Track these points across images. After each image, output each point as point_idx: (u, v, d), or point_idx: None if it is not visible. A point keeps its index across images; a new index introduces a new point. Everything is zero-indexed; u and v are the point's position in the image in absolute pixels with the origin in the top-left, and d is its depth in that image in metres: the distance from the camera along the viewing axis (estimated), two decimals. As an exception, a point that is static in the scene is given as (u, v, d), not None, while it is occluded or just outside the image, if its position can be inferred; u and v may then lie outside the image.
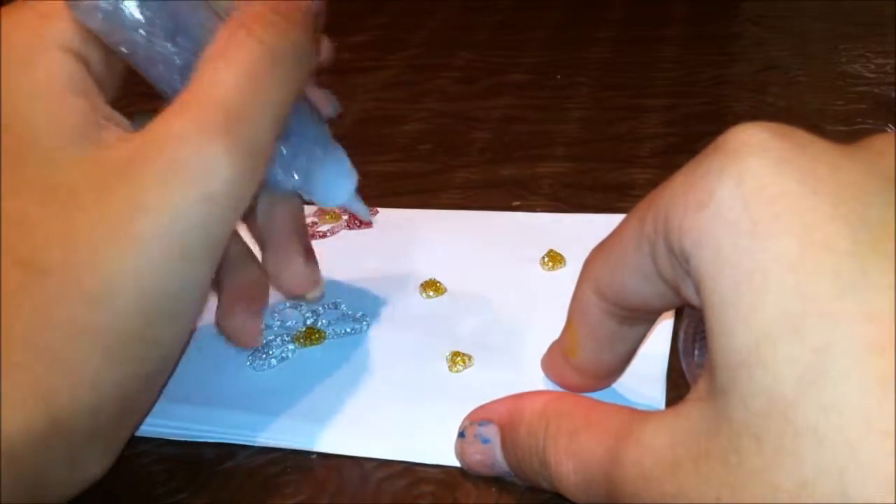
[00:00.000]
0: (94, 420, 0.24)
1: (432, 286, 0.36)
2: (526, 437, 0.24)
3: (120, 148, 0.25)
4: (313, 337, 0.33)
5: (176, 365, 0.28)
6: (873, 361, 0.16)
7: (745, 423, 0.18)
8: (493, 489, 0.26)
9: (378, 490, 0.27)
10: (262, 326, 0.33)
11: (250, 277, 0.32)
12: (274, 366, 0.32)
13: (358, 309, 0.35)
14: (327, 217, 0.42)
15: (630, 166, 0.46)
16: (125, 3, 0.26)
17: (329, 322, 0.34)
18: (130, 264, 0.24)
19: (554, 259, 0.37)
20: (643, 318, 0.25)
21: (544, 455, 0.24)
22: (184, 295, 0.25)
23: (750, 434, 0.18)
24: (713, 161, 0.20)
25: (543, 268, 0.37)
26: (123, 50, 0.26)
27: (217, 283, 0.32)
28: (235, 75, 0.25)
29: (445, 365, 0.31)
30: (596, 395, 0.28)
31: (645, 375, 0.30)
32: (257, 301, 0.32)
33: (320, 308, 0.35)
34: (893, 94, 0.52)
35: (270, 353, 0.33)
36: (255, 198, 0.30)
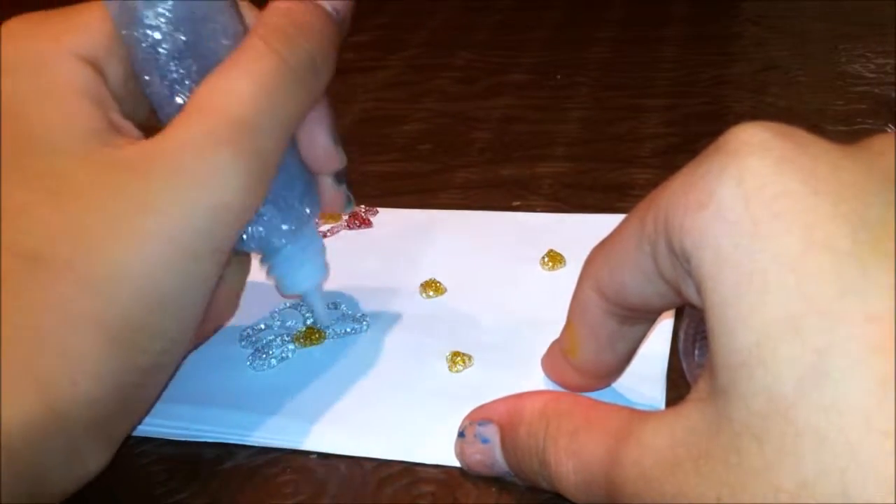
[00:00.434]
0: (94, 411, 0.24)
1: (432, 286, 0.36)
2: (526, 437, 0.24)
3: (131, 150, 0.25)
4: (313, 337, 0.33)
5: (178, 364, 0.28)
6: (874, 362, 0.16)
7: (746, 423, 0.18)
8: (493, 489, 0.26)
9: (378, 490, 0.27)
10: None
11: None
12: (274, 366, 0.32)
13: (358, 309, 0.35)
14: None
15: (630, 166, 0.46)
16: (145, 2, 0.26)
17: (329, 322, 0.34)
18: (135, 259, 0.24)
19: (554, 259, 0.37)
20: (643, 318, 0.25)
21: (544, 455, 0.24)
22: (186, 292, 0.26)
23: (750, 434, 0.18)
24: (713, 161, 0.20)
25: (543, 268, 0.37)
26: (128, 45, 0.27)
27: None
28: (251, 86, 0.26)
29: (445, 365, 0.31)
30: (596, 395, 0.28)
31: (645, 375, 0.30)
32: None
33: (320, 308, 0.35)
34: (893, 94, 0.52)
35: (270, 353, 0.33)
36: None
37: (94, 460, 0.25)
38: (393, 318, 0.35)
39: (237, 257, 0.30)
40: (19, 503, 0.23)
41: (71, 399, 0.24)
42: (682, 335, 0.27)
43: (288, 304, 0.36)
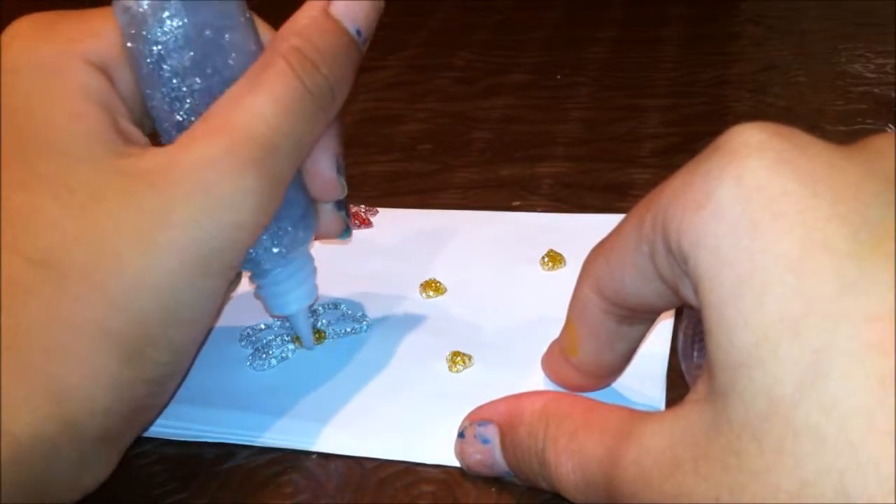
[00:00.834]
0: (106, 422, 0.25)
1: (432, 286, 0.36)
2: (525, 437, 0.24)
3: (147, 159, 0.26)
4: (313, 337, 0.33)
5: (186, 373, 0.28)
6: (874, 362, 0.16)
7: (745, 424, 0.18)
8: (493, 489, 0.26)
9: (378, 490, 0.27)
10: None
11: None
12: (274, 366, 0.32)
13: (358, 309, 0.35)
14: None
15: (630, 166, 0.46)
16: (152, 13, 0.26)
17: (329, 322, 0.34)
18: (153, 271, 0.24)
19: (554, 259, 0.37)
20: (643, 318, 0.25)
21: (544, 455, 0.24)
22: (200, 305, 0.26)
23: (750, 435, 0.18)
24: (712, 161, 0.20)
25: (543, 268, 0.37)
26: (133, 57, 0.27)
27: None
28: (273, 107, 0.26)
29: (445, 365, 0.31)
30: (596, 395, 0.28)
31: (645, 375, 0.30)
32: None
33: (320, 308, 0.35)
34: (893, 94, 0.52)
35: (270, 353, 0.33)
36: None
37: (102, 470, 0.26)
38: (393, 318, 0.35)
39: None
40: None
41: (85, 411, 0.24)
42: (680, 336, 0.27)
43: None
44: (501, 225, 0.41)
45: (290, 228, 0.30)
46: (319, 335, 0.34)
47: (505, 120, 0.53)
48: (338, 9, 0.28)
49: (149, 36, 0.26)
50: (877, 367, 0.16)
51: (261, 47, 0.28)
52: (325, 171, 0.30)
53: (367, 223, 0.42)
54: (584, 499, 0.23)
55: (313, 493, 0.27)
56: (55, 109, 0.26)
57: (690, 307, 0.22)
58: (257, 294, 0.32)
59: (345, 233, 0.32)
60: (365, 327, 0.34)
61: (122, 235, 0.24)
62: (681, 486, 0.19)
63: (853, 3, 0.67)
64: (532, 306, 0.34)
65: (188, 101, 0.27)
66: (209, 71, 0.27)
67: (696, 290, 0.20)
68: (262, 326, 0.35)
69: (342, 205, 0.32)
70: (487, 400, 0.27)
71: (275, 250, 0.30)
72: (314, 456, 0.28)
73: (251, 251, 0.29)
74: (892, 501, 0.16)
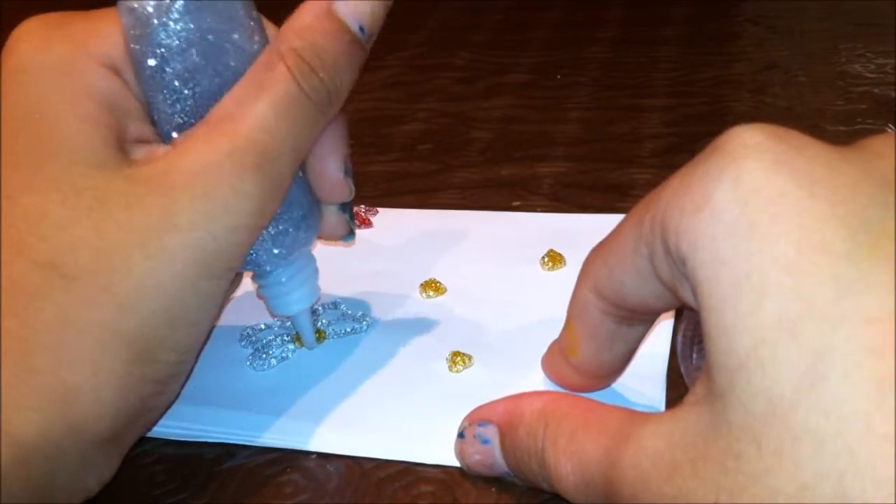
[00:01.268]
0: (114, 423, 0.25)
1: (432, 286, 0.36)
2: (525, 437, 0.24)
3: (153, 163, 0.26)
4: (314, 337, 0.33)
5: (189, 374, 0.28)
6: (872, 364, 0.16)
7: (744, 426, 0.18)
8: (493, 489, 0.26)
9: (378, 490, 0.27)
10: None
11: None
12: (274, 366, 0.33)
13: (358, 309, 0.35)
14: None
15: (630, 166, 0.46)
16: (157, 14, 0.26)
17: (329, 322, 0.34)
18: (159, 274, 0.25)
19: (554, 259, 0.37)
20: (642, 319, 0.25)
21: (543, 456, 0.24)
22: (204, 305, 0.26)
23: (749, 437, 0.17)
24: (710, 163, 0.20)
25: (543, 268, 0.37)
26: (135, 60, 0.27)
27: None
28: (270, 110, 0.26)
29: (445, 365, 0.31)
30: (596, 396, 0.28)
31: (645, 375, 0.30)
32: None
33: (320, 308, 0.35)
34: (893, 94, 0.52)
35: (270, 353, 0.33)
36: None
37: (105, 472, 0.26)
38: (393, 318, 0.35)
39: None
40: None
41: (92, 413, 0.24)
42: (679, 337, 0.27)
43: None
44: (501, 225, 0.41)
45: (291, 230, 0.30)
46: (319, 335, 0.34)
47: (505, 120, 0.53)
48: (341, 8, 0.27)
49: (153, 38, 0.26)
50: (875, 370, 0.16)
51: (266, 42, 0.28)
52: (333, 173, 0.30)
53: (367, 223, 0.42)
54: (583, 499, 0.23)
55: (313, 493, 0.27)
56: (65, 111, 0.26)
57: (690, 308, 0.22)
58: (259, 294, 0.32)
59: (348, 235, 0.32)
60: (365, 327, 0.34)
61: (128, 239, 0.25)
62: (680, 488, 0.19)
63: (853, 3, 0.67)
64: (532, 306, 0.34)
65: (189, 103, 0.27)
66: (212, 74, 0.27)
67: (694, 292, 0.20)
68: (263, 326, 0.35)
69: (347, 207, 0.32)
70: (487, 400, 0.27)
71: (276, 251, 0.30)
72: (314, 456, 0.28)
73: (252, 253, 0.29)
74: (891, 504, 0.16)
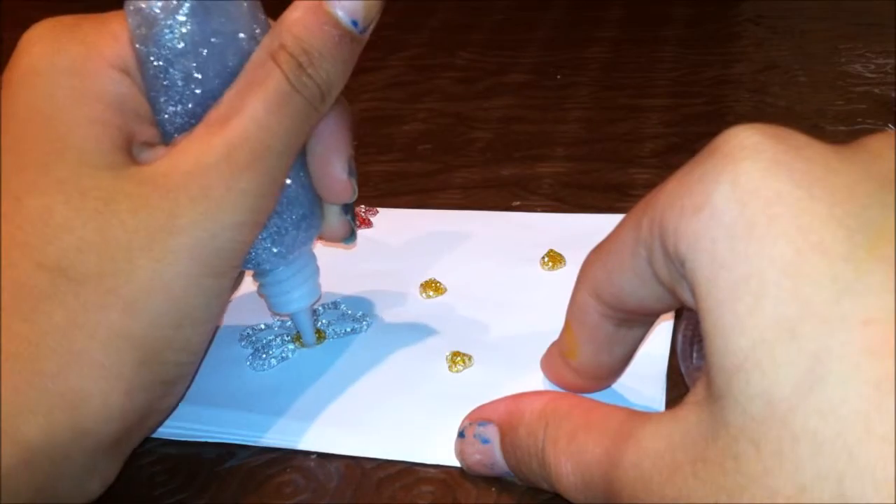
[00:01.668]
0: (119, 427, 0.25)
1: (432, 286, 0.36)
2: (525, 437, 0.24)
3: (154, 165, 0.26)
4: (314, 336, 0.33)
5: (195, 374, 0.28)
6: (871, 365, 0.16)
7: (743, 427, 0.18)
8: (493, 489, 0.26)
9: (378, 490, 0.27)
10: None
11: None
12: (274, 366, 0.33)
13: (358, 309, 0.35)
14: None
15: (630, 166, 0.46)
16: (164, 15, 0.26)
17: (329, 322, 0.34)
18: (165, 274, 0.25)
19: (554, 259, 0.37)
20: (641, 321, 0.25)
21: (543, 456, 0.24)
22: (209, 305, 0.26)
23: (747, 439, 0.17)
24: (708, 164, 0.20)
25: (543, 268, 0.37)
26: (140, 60, 0.27)
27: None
28: (262, 107, 0.26)
29: (445, 365, 0.31)
30: (596, 396, 0.28)
31: (645, 375, 0.30)
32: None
33: (320, 308, 0.35)
34: (893, 94, 0.52)
35: (270, 353, 0.33)
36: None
37: (109, 475, 0.26)
38: (393, 318, 0.35)
39: None
40: None
41: (100, 417, 0.24)
42: (679, 337, 0.27)
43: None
44: (501, 225, 0.41)
45: (291, 229, 0.30)
46: (319, 335, 0.34)
47: (505, 120, 0.53)
48: (332, 2, 0.27)
49: (159, 38, 0.26)
50: (873, 372, 0.16)
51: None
52: (336, 173, 0.30)
53: (367, 223, 0.42)
54: (583, 500, 0.23)
55: (313, 493, 0.27)
56: (75, 113, 0.26)
57: (689, 309, 0.22)
58: (260, 292, 0.32)
59: (350, 238, 0.32)
60: (365, 327, 0.34)
61: (132, 240, 0.25)
62: (680, 489, 0.19)
63: (853, 3, 0.67)
64: (532, 306, 0.34)
65: (192, 104, 0.27)
66: (217, 75, 0.27)
67: (693, 293, 0.20)
68: (263, 326, 0.35)
69: (350, 208, 0.32)
70: (487, 400, 0.27)
71: (275, 250, 0.30)
72: (314, 456, 0.28)
73: (251, 251, 0.29)
74: (890, 505, 0.16)
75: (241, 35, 0.27)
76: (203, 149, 0.26)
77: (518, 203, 0.43)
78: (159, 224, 0.25)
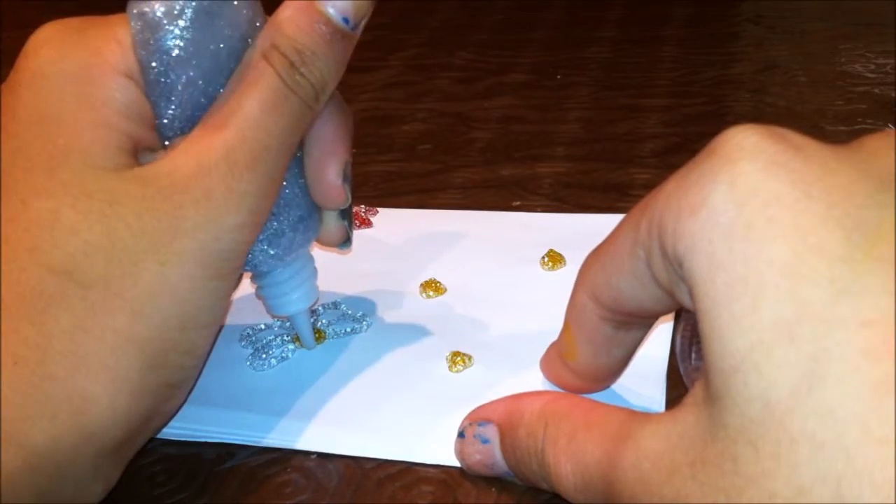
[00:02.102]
0: (126, 430, 0.25)
1: (432, 286, 0.36)
2: (525, 437, 0.24)
3: (158, 166, 0.26)
4: (313, 337, 0.33)
5: (199, 376, 0.28)
6: (869, 367, 0.16)
7: (741, 429, 0.18)
8: (493, 489, 0.26)
9: (378, 490, 0.27)
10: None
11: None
12: (274, 366, 0.33)
13: (358, 309, 0.35)
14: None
15: (630, 166, 0.46)
16: (167, 20, 0.26)
17: (329, 322, 0.34)
18: (170, 278, 0.25)
19: (554, 259, 0.37)
20: (640, 323, 0.25)
21: (543, 456, 0.24)
22: (213, 307, 0.27)
23: (746, 441, 0.17)
24: (706, 165, 0.20)
25: (543, 268, 0.37)
26: (141, 63, 0.27)
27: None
28: (257, 107, 0.26)
29: (445, 365, 0.31)
30: (596, 396, 0.28)
31: (645, 376, 0.30)
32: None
33: (320, 308, 0.35)
34: (893, 94, 0.52)
35: (270, 353, 0.33)
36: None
37: (112, 478, 0.26)
38: (393, 318, 0.35)
39: None
40: None
41: (106, 421, 0.24)
42: (678, 338, 0.27)
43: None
44: (501, 225, 0.41)
45: (287, 231, 0.30)
46: (319, 335, 0.34)
47: (505, 120, 0.53)
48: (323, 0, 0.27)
49: (161, 42, 0.26)
50: (872, 373, 0.16)
51: None
52: (330, 178, 0.30)
53: (367, 223, 0.42)
54: (583, 500, 0.23)
55: (313, 493, 0.27)
56: (82, 117, 0.26)
57: (688, 311, 0.22)
58: (258, 294, 0.32)
59: (345, 244, 0.32)
60: (365, 327, 0.34)
61: (138, 243, 0.25)
62: (679, 490, 0.19)
63: (853, 3, 0.67)
64: (532, 306, 0.34)
65: (192, 107, 0.27)
66: (217, 79, 0.27)
67: (691, 295, 0.20)
68: (262, 326, 0.35)
69: (346, 214, 0.32)
70: (487, 400, 0.27)
71: (272, 252, 0.30)
72: (314, 456, 0.28)
73: (248, 253, 0.29)
74: (889, 507, 0.16)
75: (245, 39, 0.27)
76: (203, 150, 0.26)
77: (518, 203, 0.43)
78: (163, 227, 0.25)
